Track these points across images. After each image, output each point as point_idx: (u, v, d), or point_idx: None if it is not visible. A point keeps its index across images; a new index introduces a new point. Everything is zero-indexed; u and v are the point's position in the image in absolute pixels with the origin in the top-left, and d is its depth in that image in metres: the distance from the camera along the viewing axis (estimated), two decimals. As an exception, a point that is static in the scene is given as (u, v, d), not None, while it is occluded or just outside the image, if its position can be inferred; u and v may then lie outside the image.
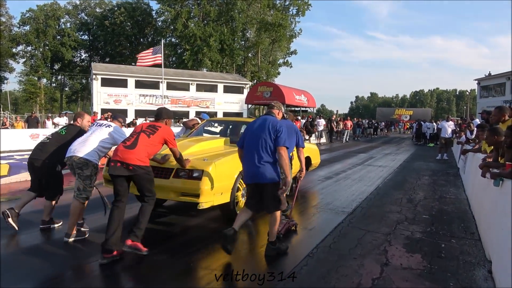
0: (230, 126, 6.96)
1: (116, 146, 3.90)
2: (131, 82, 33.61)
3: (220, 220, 4.97)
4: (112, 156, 3.69)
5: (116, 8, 51.73)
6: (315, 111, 21.00)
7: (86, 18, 56.14)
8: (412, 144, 23.45)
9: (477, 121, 11.62)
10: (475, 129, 10.12)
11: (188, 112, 35.51)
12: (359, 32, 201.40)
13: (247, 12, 48.34)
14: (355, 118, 35.51)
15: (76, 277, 3.36)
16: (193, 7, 45.96)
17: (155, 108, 32.62)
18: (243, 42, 52.20)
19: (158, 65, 26.97)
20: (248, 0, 47.97)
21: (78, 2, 56.28)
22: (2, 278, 3.15)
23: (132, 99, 33.41)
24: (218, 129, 7.14)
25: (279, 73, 55.88)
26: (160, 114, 4.04)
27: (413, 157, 14.84)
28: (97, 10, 57.00)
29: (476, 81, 33.49)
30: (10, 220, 4.23)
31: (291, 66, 56.66)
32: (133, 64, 42.67)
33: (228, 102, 37.02)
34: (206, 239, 4.25)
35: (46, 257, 3.72)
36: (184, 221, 5.01)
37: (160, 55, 24.67)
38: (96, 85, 32.31)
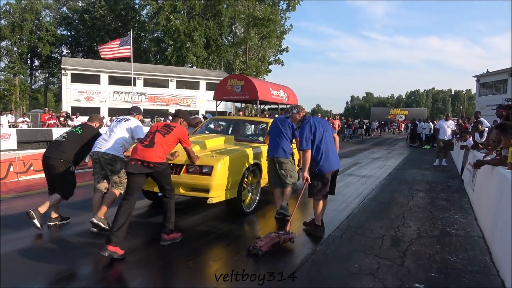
0: (232, 125, 7.04)
1: (133, 145, 4.21)
2: (104, 78, 31.04)
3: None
4: (131, 155, 3.79)
5: (96, 1, 49.00)
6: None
7: (67, 12, 53.51)
8: (406, 146, 21.19)
9: (484, 120, 9.33)
10: (486, 129, 7.84)
11: (167, 110, 33.02)
12: (354, 32, 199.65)
13: (235, 7, 45.94)
14: (349, 118, 33.26)
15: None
16: (176, 0, 43.35)
17: (130, 106, 30.17)
18: (230, 38, 49.76)
19: (128, 59, 24.69)
20: (236, -6, 45.56)
21: (59, -4, 53.72)
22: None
23: (105, 96, 30.83)
24: (220, 127, 7.28)
25: (269, 71, 53.51)
26: (177, 114, 4.25)
27: (406, 162, 12.52)
28: (79, 4, 54.39)
29: (475, 78, 31.21)
30: (35, 221, 4.08)
31: (283, 64, 54.35)
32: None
33: (211, 100, 34.00)
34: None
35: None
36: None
37: (128, 47, 22.34)
38: (65, 81, 29.75)
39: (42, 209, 4.13)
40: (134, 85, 30.80)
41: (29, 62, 51.43)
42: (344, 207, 5.68)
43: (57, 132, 16.70)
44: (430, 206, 5.98)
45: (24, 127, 17.46)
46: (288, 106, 18.62)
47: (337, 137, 4.61)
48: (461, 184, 8.12)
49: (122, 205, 3.64)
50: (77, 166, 4.51)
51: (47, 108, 22.70)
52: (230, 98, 15.22)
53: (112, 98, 31.08)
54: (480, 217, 5.03)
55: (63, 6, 54.24)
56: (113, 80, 31.27)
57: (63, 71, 29.66)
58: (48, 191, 4.53)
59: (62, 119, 17.14)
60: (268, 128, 5.59)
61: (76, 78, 29.99)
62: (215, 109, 17.15)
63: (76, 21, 51.89)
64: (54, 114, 17.53)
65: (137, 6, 49.34)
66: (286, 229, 3.96)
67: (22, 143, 15.10)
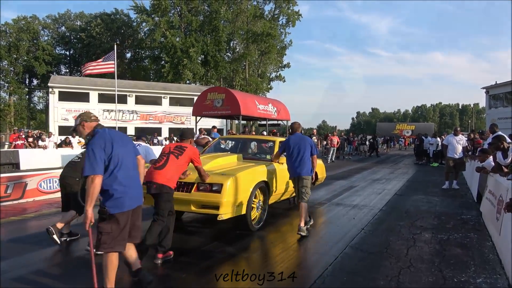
0: (240, 143, 7.17)
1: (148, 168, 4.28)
2: (93, 95, 29.84)
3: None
4: (145, 178, 3.75)
5: (93, 20, 48.54)
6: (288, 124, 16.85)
7: (65, 31, 53.15)
8: (413, 163, 19.30)
9: (504, 135, 7.59)
10: (510, 146, 6.06)
11: (161, 128, 31.57)
12: (359, 49, 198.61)
13: (235, 23, 45.02)
14: (350, 134, 31.44)
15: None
16: (172, 17, 42.51)
17: (121, 125, 28.71)
18: (230, 54, 48.67)
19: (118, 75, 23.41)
20: (235, 10, 44.71)
21: (57, 16, 53.51)
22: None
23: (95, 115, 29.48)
24: (228, 146, 7.42)
25: (271, 88, 52.16)
26: (185, 135, 4.42)
27: (410, 185, 10.69)
28: (78, 23, 54.10)
29: (484, 90, 29.40)
30: (54, 236, 4.26)
31: (284, 80, 53.03)
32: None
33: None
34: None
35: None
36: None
37: (112, 62, 21.05)
38: (52, 99, 28.58)
39: (60, 225, 4.34)
40: (123, 102, 29.60)
41: (27, 81, 50.82)
42: (313, 265, 3.91)
43: (24, 154, 15.17)
44: (439, 259, 4.17)
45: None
46: (278, 121, 17.01)
47: (142, 160, 3.31)
48: (479, 218, 6.29)
49: (151, 226, 3.82)
50: None
51: (16, 128, 21.25)
52: (211, 113, 13.64)
53: (102, 116, 29.72)
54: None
55: (61, 26, 53.95)
56: (103, 98, 30.01)
57: (50, 89, 28.53)
58: (61, 208, 4.75)
59: (30, 139, 15.61)
60: (278, 147, 5.92)
61: (64, 96, 28.85)
62: (211, 127, 15.37)
63: (74, 40, 51.42)
64: (22, 134, 15.97)
65: (134, 23, 48.69)
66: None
67: (-17, 167, 13.57)
